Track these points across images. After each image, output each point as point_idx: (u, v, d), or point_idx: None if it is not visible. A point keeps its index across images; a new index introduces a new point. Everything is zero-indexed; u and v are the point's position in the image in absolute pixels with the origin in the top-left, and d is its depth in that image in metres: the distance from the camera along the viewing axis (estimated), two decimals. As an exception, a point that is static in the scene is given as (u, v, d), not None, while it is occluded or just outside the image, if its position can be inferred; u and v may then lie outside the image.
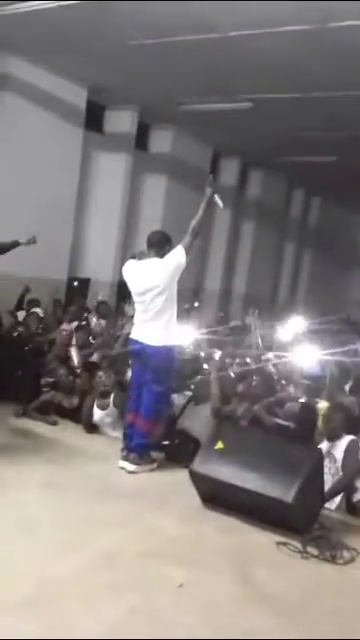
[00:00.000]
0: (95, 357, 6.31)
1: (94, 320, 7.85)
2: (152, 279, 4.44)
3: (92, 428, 5.38)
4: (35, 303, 8.42)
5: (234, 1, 6.32)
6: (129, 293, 4.76)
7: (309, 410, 5.04)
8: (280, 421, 4.89)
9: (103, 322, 7.98)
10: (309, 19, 6.60)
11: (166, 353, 4.49)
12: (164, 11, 6.81)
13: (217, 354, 5.14)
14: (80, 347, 6.42)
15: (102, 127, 11.56)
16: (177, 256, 4.44)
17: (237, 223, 15.59)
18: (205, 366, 5.86)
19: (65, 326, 7.11)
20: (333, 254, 19.35)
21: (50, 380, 5.83)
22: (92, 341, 6.96)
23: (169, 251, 4.52)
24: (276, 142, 12.17)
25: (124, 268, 4.72)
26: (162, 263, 4.46)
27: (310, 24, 6.68)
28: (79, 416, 5.49)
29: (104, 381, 5.30)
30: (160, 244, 4.58)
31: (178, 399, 5.23)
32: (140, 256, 4.64)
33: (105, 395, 5.32)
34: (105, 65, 9.12)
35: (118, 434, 5.08)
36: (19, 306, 8.29)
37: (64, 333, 6.71)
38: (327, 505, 4.06)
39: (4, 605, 2.60)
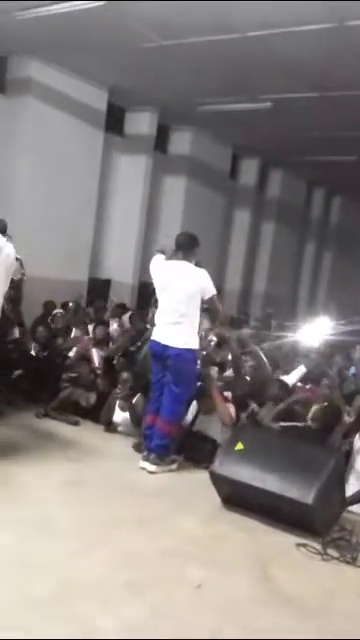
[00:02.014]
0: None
1: (114, 326, 7.83)
2: (182, 283, 4.47)
3: (111, 428, 5.42)
4: (51, 305, 8.44)
5: (252, 1, 6.30)
6: (154, 291, 4.77)
7: (334, 410, 5.00)
8: (285, 423, 4.85)
9: (125, 322, 7.99)
10: (327, 18, 6.56)
11: (187, 356, 4.50)
12: (182, 12, 6.82)
13: (214, 370, 5.08)
14: (98, 343, 6.46)
15: (122, 129, 11.62)
16: (210, 290, 4.50)
17: (257, 223, 15.54)
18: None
19: (76, 333, 7.12)
20: (354, 254, 19.17)
21: (72, 375, 5.87)
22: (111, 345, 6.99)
23: (197, 253, 4.60)
24: (296, 142, 12.12)
25: (152, 262, 4.76)
26: (200, 275, 4.50)
27: (328, 23, 6.65)
28: (98, 415, 5.53)
29: (122, 393, 5.32)
30: (188, 245, 4.61)
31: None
32: (170, 256, 4.67)
33: (127, 398, 5.36)
34: (125, 67, 9.18)
35: (133, 434, 5.17)
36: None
37: (85, 338, 6.75)
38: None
39: (25, 604, 2.63)
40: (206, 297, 4.52)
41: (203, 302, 4.54)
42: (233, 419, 4.91)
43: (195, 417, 5.06)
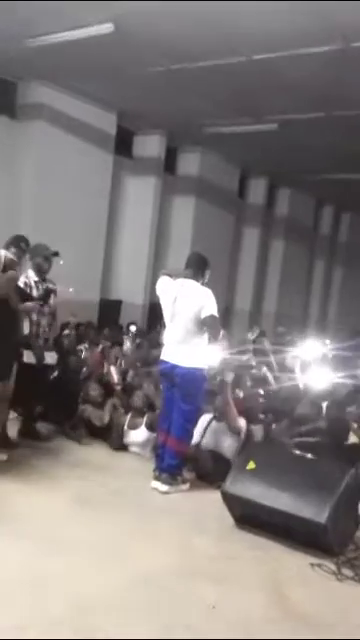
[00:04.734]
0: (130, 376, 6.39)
1: (127, 344, 7.95)
2: (189, 301, 4.47)
3: (121, 446, 5.41)
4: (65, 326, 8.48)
5: (258, 26, 6.39)
6: (161, 313, 4.79)
7: (340, 423, 4.98)
8: (298, 439, 4.83)
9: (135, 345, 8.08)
10: (332, 40, 6.64)
11: (195, 374, 4.50)
12: (189, 37, 6.95)
13: (229, 376, 5.09)
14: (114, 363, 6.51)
15: (131, 152, 11.78)
16: (209, 309, 4.42)
17: (266, 242, 15.59)
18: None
19: (86, 354, 7.16)
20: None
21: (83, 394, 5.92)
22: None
23: (206, 274, 4.63)
24: (304, 160, 12.20)
25: (158, 283, 4.76)
26: (204, 294, 4.48)
27: (333, 45, 6.73)
28: (109, 434, 5.52)
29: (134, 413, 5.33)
30: (198, 265, 4.64)
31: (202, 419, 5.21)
32: (177, 275, 4.68)
33: (137, 415, 5.36)
34: (133, 91, 9.32)
35: (146, 454, 5.18)
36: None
37: (97, 352, 6.80)
38: None
39: (37, 623, 2.63)
40: (202, 315, 4.42)
41: (200, 321, 4.43)
42: (241, 428, 4.91)
43: (205, 430, 5.04)
